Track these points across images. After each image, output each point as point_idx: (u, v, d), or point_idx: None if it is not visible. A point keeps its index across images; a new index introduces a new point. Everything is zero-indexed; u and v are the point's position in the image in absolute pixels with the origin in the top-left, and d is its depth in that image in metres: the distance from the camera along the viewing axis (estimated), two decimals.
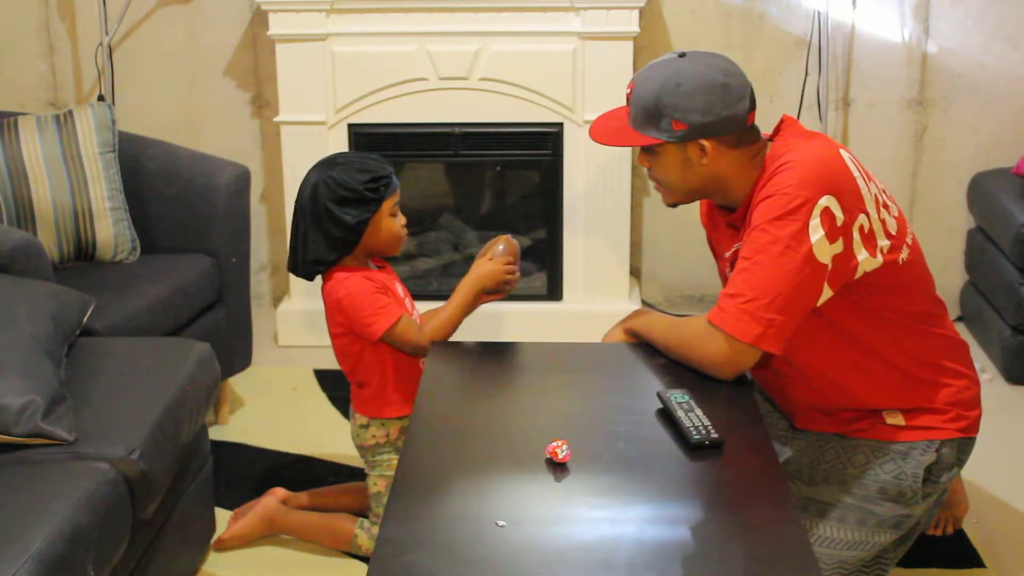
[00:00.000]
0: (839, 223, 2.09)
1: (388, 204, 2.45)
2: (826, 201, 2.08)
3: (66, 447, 2.11)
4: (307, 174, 2.48)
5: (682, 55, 2.20)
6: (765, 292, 2.07)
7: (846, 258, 2.12)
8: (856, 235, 2.12)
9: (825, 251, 2.08)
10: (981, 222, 3.84)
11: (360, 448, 2.61)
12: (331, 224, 2.43)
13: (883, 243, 2.16)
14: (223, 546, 2.67)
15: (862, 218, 2.13)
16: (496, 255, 2.54)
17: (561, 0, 3.57)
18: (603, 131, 2.29)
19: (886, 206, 2.21)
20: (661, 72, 2.18)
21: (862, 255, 2.13)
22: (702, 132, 2.16)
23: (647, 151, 2.25)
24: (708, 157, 2.18)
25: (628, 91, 2.23)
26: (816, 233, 2.07)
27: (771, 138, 2.27)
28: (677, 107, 2.14)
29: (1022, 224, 3.43)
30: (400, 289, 2.57)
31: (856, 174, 2.16)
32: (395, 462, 2.54)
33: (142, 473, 2.11)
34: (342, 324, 2.49)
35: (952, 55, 3.85)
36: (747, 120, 2.19)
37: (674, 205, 2.32)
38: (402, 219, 2.51)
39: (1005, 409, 3.30)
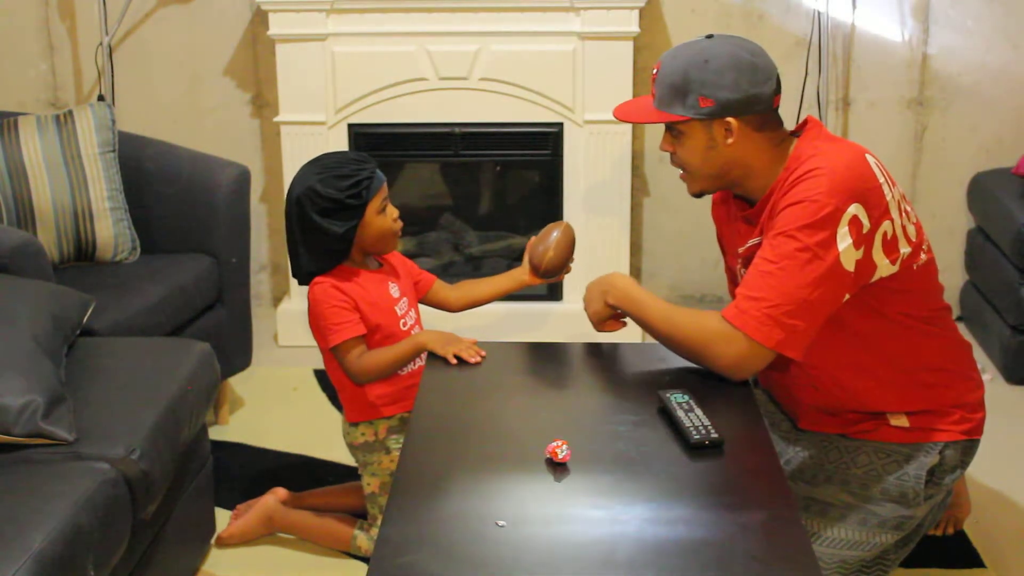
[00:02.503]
0: (865, 231, 2.08)
1: (374, 204, 2.43)
2: (854, 209, 2.07)
3: (66, 447, 2.11)
4: (291, 182, 2.46)
5: (709, 36, 2.20)
6: (790, 299, 2.06)
7: (866, 264, 2.11)
8: (878, 241, 2.11)
9: (851, 258, 2.08)
10: (981, 222, 3.84)
11: (351, 447, 2.61)
12: (320, 236, 2.42)
13: (904, 250, 2.15)
14: (223, 544, 2.68)
15: (886, 224, 2.12)
16: (550, 243, 2.54)
17: (561, 0, 3.57)
18: (628, 111, 2.30)
19: (907, 212, 2.19)
20: (689, 50, 2.19)
21: (882, 261, 2.13)
22: (728, 110, 2.15)
23: (672, 133, 2.24)
24: (733, 137, 2.16)
25: (654, 71, 2.22)
26: (844, 242, 2.06)
27: (794, 133, 2.26)
28: (705, 83, 2.14)
29: (1022, 224, 3.43)
30: (396, 289, 2.55)
31: (882, 180, 2.14)
32: (385, 462, 2.55)
33: (142, 473, 2.11)
34: (312, 323, 2.51)
35: (952, 55, 3.85)
36: (772, 102, 2.18)
37: (699, 194, 2.30)
38: (393, 212, 2.48)
39: (1005, 409, 3.30)
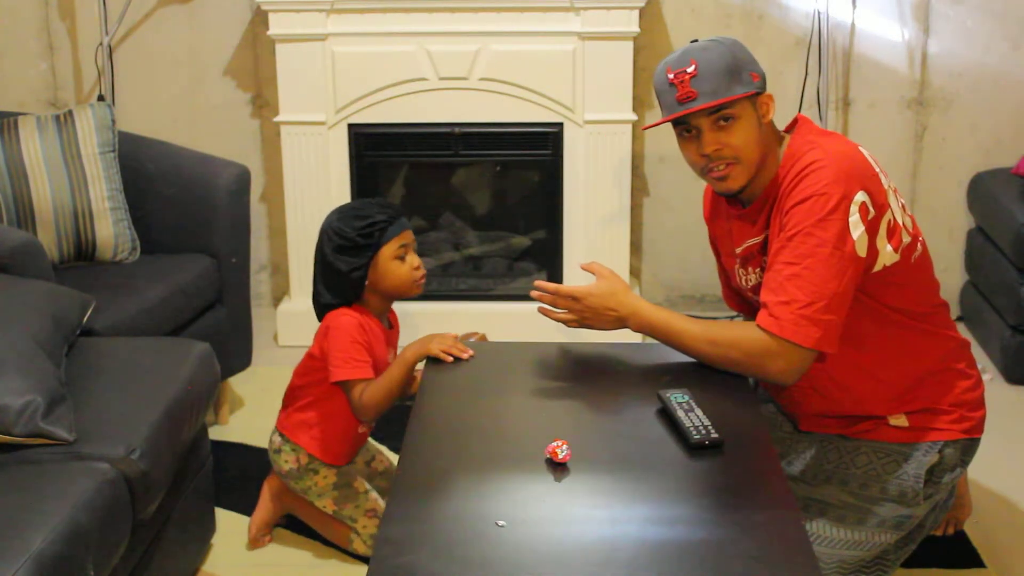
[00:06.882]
0: (871, 217, 2.12)
1: (389, 248, 2.45)
2: (861, 196, 2.10)
3: (66, 447, 2.11)
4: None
5: (695, 41, 2.23)
6: (820, 295, 2.08)
7: (871, 250, 2.14)
8: (883, 229, 2.15)
9: (864, 245, 2.11)
10: (981, 222, 3.84)
11: (280, 474, 2.63)
12: (331, 272, 2.47)
13: (906, 239, 2.19)
14: (257, 545, 2.67)
15: (888, 213, 2.16)
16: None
17: (561, 0, 3.57)
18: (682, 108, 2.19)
19: (903, 205, 2.24)
20: (710, 43, 2.19)
21: (886, 248, 2.15)
22: (765, 84, 2.21)
23: (721, 123, 2.16)
24: (772, 111, 2.21)
25: (692, 69, 2.14)
26: (857, 229, 2.09)
27: (787, 131, 2.28)
28: (749, 60, 2.20)
29: (1022, 224, 3.43)
30: (392, 356, 2.58)
31: (877, 170, 2.19)
32: (320, 481, 2.57)
33: (142, 473, 2.11)
34: (321, 349, 2.52)
35: (952, 55, 3.84)
36: None
37: (742, 189, 2.22)
38: (414, 260, 2.49)
39: (1005, 409, 3.30)
